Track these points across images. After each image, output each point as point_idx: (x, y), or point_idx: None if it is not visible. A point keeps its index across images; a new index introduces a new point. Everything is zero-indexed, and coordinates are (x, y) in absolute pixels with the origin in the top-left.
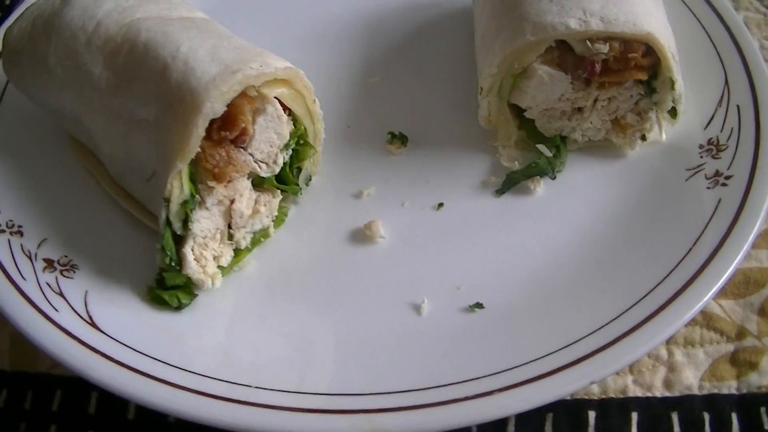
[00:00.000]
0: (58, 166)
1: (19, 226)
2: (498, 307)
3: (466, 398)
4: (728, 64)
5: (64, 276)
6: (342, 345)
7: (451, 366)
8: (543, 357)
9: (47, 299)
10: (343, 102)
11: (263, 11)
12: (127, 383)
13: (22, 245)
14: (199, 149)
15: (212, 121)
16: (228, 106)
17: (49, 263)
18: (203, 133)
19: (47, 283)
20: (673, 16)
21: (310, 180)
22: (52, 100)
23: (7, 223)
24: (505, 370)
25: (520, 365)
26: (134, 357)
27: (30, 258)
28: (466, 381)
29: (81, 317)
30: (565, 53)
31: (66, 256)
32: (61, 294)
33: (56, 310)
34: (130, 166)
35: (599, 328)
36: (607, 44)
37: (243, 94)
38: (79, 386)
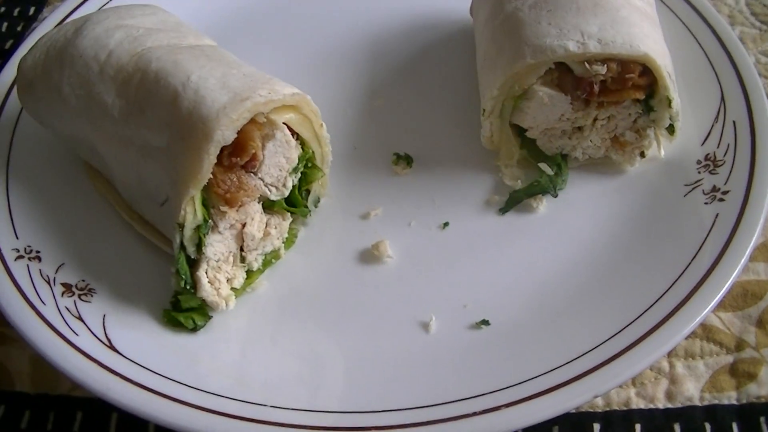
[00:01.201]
0: (73, 192)
1: (37, 252)
2: (504, 323)
3: (475, 414)
4: (724, 80)
5: (82, 300)
6: (352, 363)
7: (460, 382)
8: (548, 372)
9: (67, 323)
10: (349, 124)
11: (268, 36)
12: (146, 404)
13: (40, 270)
14: (210, 175)
15: (223, 148)
16: (238, 132)
17: (68, 288)
18: (215, 160)
19: (66, 308)
20: (670, 33)
21: (319, 202)
22: (66, 127)
23: (25, 248)
24: (512, 386)
25: (527, 380)
26: (153, 378)
27: (49, 283)
28: (474, 397)
29: (100, 340)
30: (564, 74)
31: (83, 281)
32: (80, 318)
33: (76, 334)
34: (144, 191)
35: (602, 343)
36: (605, 65)
37: (252, 121)
38: (99, 407)
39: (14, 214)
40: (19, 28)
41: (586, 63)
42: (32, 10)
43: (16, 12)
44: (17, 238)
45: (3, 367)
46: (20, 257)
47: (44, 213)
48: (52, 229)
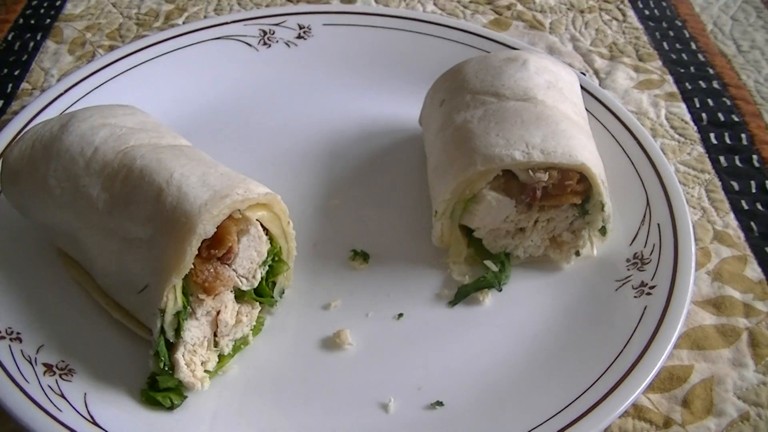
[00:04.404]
0: (49, 277)
1: (18, 333)
2: (456, 404)
3: None
4: (649, 188)
5: (63, 379)
6: None
7: None
8: None
9: (50, 400)
10: (309, 222)
11: (232, 139)
12: None
13: (22, 351)
14: (191, 266)
15: (203, 241)
16: (217, 227)
17: (49, 367)
18: (196, 252)
19: (49, 386)
20: (600, 144)
21: (284, 293)
22: (49, 217)
23: (6, 330)
24: None
25: None
26: None
27: (30, 362)
28: None
29: (83, 417)
30: (510, 180)
31: (63, 361)
32: (62, 396)
33: (60, 410)
34: (122, 279)
35: (545, 422)
36: (547, 173)
37: (230, 217)
38: None
39: None
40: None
41: (530, 171)
42: (0, 103)
43: None
44: None
45: None
46: (2, 338)
47: (22, 296)
48: (31, 311)
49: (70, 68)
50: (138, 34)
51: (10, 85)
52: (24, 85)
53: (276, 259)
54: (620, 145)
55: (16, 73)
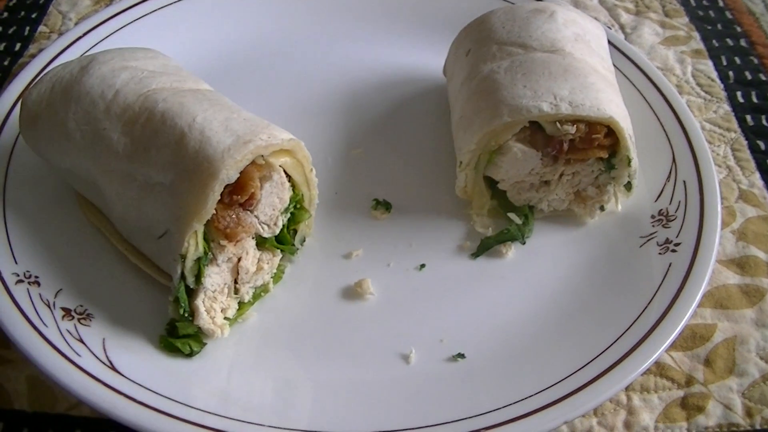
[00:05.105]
0: (68, 221)
1: (36, 277)
2: (478, 357)
3: None
4: (675, 144)
5: (82, 324)
6: (333, 388)
7: (439, 408)
8: (522, 400)
9: (69, 345)
10: (331, 172)
11: (252, 86)
12: (151, 422)
13: (40, 294)
14: (213, 211)
15: (225, 186)
16: (240, 172)
17: (67, 312)
18: (218, 197)
19: (67, 330)
20: (628, 101)
21: (305, 241)
22: (68, 160)
23: (24, 273)
24: (489, 412)
25: (502, 407)
26: (153, 397)
27: (49, 306)
28: (453, 421)
29: (102, 362)
30: (536, 133)
31: (81, 306)
32: (81, 340)
33: (78, 355)
34: (142, 224)
35: (567, 377)
36: (574, 126)
37: (253, 162)
38: (96, 426)
39: (12, 239)
40: (6, 63)
41: (557, 123)
42: (18, 46)
43: (1, 47)
44: (16, 263)
45: (1, 387)
46: (20, 281)
47: (41, 240)
48: (49, 255)
49: (87, 12)
50: None
51: (27, 28)
52: (41, 28)
53: (298, 206)
54: (646, 101)
55: (33, 16)
